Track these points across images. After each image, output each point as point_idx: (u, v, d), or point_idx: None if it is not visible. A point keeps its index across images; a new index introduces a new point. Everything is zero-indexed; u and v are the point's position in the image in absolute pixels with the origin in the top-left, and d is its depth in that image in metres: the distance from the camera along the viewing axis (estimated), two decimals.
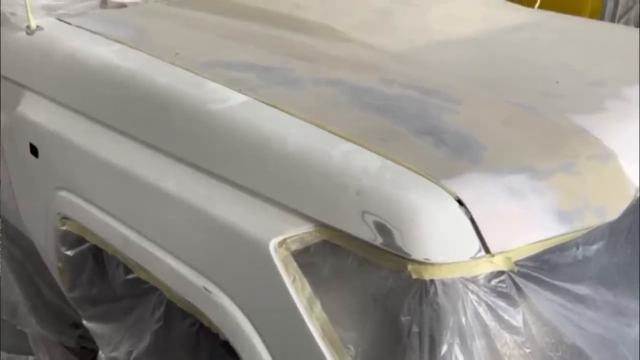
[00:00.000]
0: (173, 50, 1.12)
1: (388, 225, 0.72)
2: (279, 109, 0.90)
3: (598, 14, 2.94)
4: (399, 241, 0.71)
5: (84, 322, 1.29)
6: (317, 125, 0.86)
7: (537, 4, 1.97)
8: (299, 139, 0.84)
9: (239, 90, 0.96)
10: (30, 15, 1.26)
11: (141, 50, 1.12)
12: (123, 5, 1.46)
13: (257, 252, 0.82)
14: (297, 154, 0.82)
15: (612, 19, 3.16)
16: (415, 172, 0.76)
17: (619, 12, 3.23)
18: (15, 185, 1.42)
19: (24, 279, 2.03)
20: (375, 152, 0.79)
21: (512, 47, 1.26)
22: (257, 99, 0.94)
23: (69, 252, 1.20)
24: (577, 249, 0.83)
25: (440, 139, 0.83)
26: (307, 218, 0.80)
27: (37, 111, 1.24)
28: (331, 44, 1.18)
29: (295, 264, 0.79)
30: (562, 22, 1.55)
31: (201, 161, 0.93)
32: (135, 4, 1.49)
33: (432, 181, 0.74)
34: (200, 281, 0.90)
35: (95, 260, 1.18)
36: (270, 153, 0.85)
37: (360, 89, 0.97)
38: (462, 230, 0.72)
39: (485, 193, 0.75)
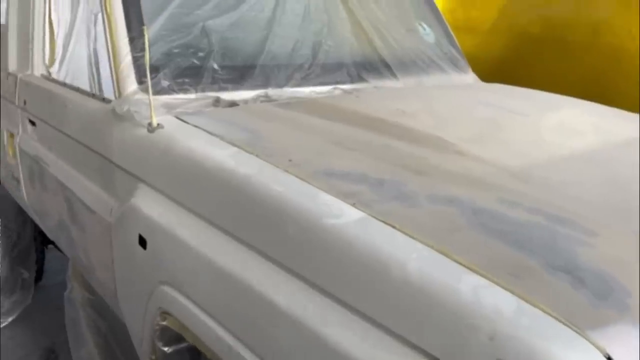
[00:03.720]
0: (286, 156, 1.14)
1: None
2: (397, 229, 0.88)
3: None
4: None
5: None
6: (440, 252, 0.82)
7: None
8: (420, 266, 0.81)
9: (353, 205, 0.95)
10: (153, 114, 1.35)
11: (256, 155, 1.15)
12: (234, 104, 1.55)
13: None
14: (420, 284, 0.78)
15: None
16: (556, 319, 0.69)
17: None
18: (118, 270, 1.47)
19: (106, 354, 2.06)
20: (508, 291, 0.74)
21: (634, 166, 1.19)
22: (372, 216, 0.92)
23: (165, 348, 1.20)
24: None
25: (578, 279, 0.76)
26: (428, 355, 0.74)
27: (150, 204, 1.29)
28: (442, 156, 1.16)
29: None
30: None
31: (314, 277, 0.91)
32: (245, 102, 1.57)
33: (577, 332, 0.67)
34: None
35: None
36: (388, 278, 0.82)
37: (480, 210, 0.94)
38: None
39: (638, 351, 0.67)
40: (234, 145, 1.20)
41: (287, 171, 1.08)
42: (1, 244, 2.79)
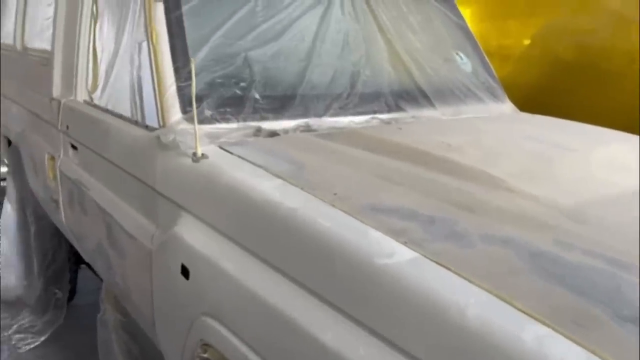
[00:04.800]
0: (330, 189, 1.14)
1: None
2: (453, 272, 0.86)
3: None
4: None
5: None
6: (500, 298, 0.79)
7: None
8: (480, 312, 0.78)
9: (405, 243, 0.94)
10: (197, 144, 1.36)
11: (301, 188, 1.14)
12: (275, 133, 1.55)
13: None
14: (480, 331, 0.76)
15: None
16: None
17: None
18: (157, 298, 1.47)
19: None
20: (574, 342, 0.71)
21: None
22: (425, 256, 0.90)
23: None
24: None
25: None
26: None
27: (194, 234, 1.29)
28: (492, 193, 1.14)
29: None
30: None
31: (364, 317, 0.90)
32: (286, 131, 1.57)
33: None
34: None
35: None
36: (446, 324, 0.80)
37: (537, 253, 0.91)
38: None
39: None
40: (279, 177, 1.20)
41: (333, 205, 1.07)
42: (37, 264, 2.84)
